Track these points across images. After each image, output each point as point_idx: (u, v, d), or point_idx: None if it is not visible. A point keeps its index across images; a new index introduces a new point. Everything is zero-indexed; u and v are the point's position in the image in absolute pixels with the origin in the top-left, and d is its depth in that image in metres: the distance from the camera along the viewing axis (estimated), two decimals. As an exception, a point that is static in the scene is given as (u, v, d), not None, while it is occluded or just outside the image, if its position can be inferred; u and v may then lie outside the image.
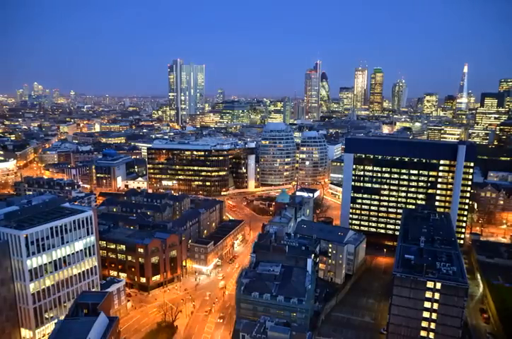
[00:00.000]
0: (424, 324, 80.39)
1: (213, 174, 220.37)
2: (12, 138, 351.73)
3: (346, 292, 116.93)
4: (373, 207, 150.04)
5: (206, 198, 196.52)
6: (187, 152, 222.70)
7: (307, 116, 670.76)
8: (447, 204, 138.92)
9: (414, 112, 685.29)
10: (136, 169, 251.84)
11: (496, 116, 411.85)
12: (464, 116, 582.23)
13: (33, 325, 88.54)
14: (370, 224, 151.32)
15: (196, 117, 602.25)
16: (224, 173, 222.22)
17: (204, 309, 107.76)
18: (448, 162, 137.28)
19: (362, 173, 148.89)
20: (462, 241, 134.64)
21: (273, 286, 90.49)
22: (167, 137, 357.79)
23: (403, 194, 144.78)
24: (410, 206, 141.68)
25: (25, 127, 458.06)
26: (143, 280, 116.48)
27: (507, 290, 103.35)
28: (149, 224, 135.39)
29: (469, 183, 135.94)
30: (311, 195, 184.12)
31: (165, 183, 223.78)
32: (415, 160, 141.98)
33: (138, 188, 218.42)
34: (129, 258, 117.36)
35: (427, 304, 79.40)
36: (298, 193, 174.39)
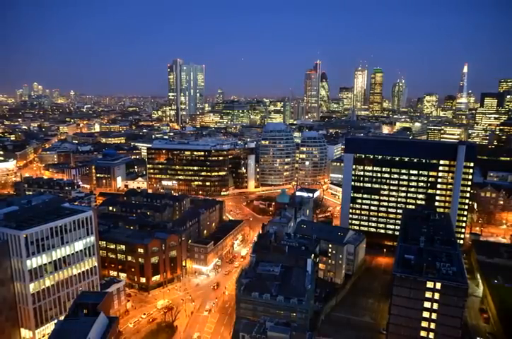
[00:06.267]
0: (424, 324, 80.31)
1: (213, 174, 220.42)
2: (12, 138, 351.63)
3: (346, 292, 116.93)
4: (372, 208, 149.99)
5: (206, 198, 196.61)
6: (187, 152, 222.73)
7: (307, 116, 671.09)
8: (447, 204, 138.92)
9: (413, 112, 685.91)
10: (136, 169, 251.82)
11: (496, 116, 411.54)
12: (464, 116, 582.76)
13: (33, 325, 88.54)
14: (370, 224, 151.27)
15: (196, 117, 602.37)
16: (224, 173, 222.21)
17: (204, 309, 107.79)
18: (447, 162, 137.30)
19: (362, 173, 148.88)
20: (462, 241, 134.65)
21: (273, 286, 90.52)
22: (167, 137, 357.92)
23: (403, 194, 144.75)
24: (410, 206, 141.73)
25: (25, 127, 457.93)
26: (143, 280, 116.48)
27: (507, 290, 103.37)
28: (149, 224, 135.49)
29: (469, 183, 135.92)
30: (311, 195, 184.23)
31: (164, 183, 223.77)
32: (415, 160, 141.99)
33: (138, 188, 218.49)
34: (129, 258, 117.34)
35: (427, 304, 79.31)
36: (298, 193, 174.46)
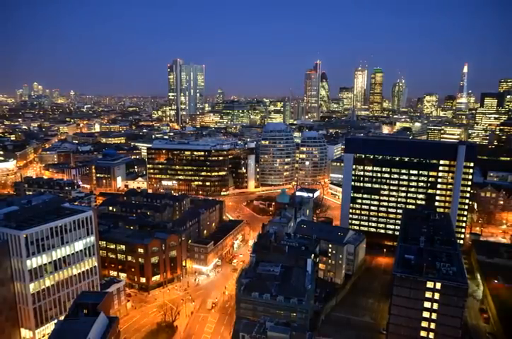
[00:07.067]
0: (424, 324, 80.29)
1: (213, 174, 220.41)
2: (12, 138, 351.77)
3: (346, 292, 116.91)
4: (372, 208, 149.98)
5: (206, 198, 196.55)
6: (187, 152, 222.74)
7: (307, 116, 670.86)
8: (447, 204, 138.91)
9: (413, 112, 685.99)
10: (136, 169, 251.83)
11: (496, 116, 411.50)
12: (464, 116, 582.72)
13: (33, 325, 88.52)
14: (370, 224, 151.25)
15: (196, 117, 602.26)
16: (224, 173, 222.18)
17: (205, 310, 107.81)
18: (447, 162, 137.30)
19: (362, 173, 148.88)
20: (462, 241, 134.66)
21: (273, 286, 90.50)
22: (167, 137, 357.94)
23: (403, 194, 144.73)
24: (410, 206, 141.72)
25: (25, 127, 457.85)
26: (143, 280, 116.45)
27: (507, 290, 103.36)
28: (149, 224, 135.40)
29: (469, 183, 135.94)
30: (311, 195, 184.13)
31: (164, 183, 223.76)
32: (415, 160, 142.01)
33: (138, 188, 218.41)
34: (129, 258, 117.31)
35: (427, 304, 79.30)
36: (298, 193, 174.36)
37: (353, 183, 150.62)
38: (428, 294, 78.71)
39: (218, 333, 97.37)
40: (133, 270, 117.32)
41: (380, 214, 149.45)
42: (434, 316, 79.16)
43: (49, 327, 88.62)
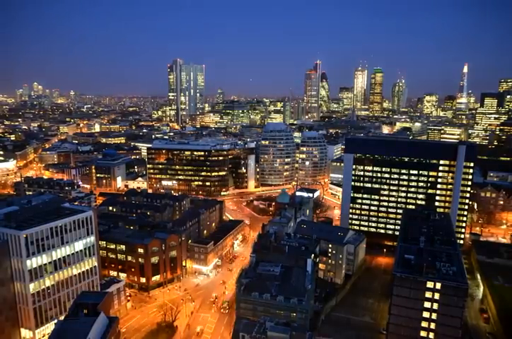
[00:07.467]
0: (424, 324, 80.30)
1: (213, 174, 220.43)
2: (12, 138, 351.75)
3: (346, 292, 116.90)
4: (372, 208, 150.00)
5: (206, 198, 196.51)
6: (187, 152, 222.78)
7: (307, 116, 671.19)
8: (447, 204, 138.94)
9: (413, 112, 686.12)
10: (136, 169, 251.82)
11: (496, 116, 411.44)
12: (464, 116, 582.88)
13: (33, 325, 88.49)
14: (370, 224, 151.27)
15: (196, 117, 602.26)
16: (224, 173, 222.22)
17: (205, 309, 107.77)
18: (447, 162, 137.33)
19: (362, 173, 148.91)
20: (462, 241, 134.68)
21: (273, 286, 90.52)
22: (167, 137, 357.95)
23: (403, 194, 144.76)
24: (410, 206, 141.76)
25: (25, 127, 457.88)
26: (143, 280, 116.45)
27: (507, 290, 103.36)
28: (149, 224, 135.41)
29: (469, 183, 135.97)
30: (311, 195, 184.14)
31: (164, 183, 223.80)
32: (415, 160, 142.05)
33: (138, 188, 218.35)
34: (129, 258, 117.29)
35: (427, 304, 79.31)
36: (298, 193, 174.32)
37: (353, 183, 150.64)
38: (428, 294, 78.74)
39: (218, 333, 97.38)
40: (133, 270, 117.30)
41: (380, 214, 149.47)
42: (434, 316, 79.19)
43: (49, 327, 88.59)
